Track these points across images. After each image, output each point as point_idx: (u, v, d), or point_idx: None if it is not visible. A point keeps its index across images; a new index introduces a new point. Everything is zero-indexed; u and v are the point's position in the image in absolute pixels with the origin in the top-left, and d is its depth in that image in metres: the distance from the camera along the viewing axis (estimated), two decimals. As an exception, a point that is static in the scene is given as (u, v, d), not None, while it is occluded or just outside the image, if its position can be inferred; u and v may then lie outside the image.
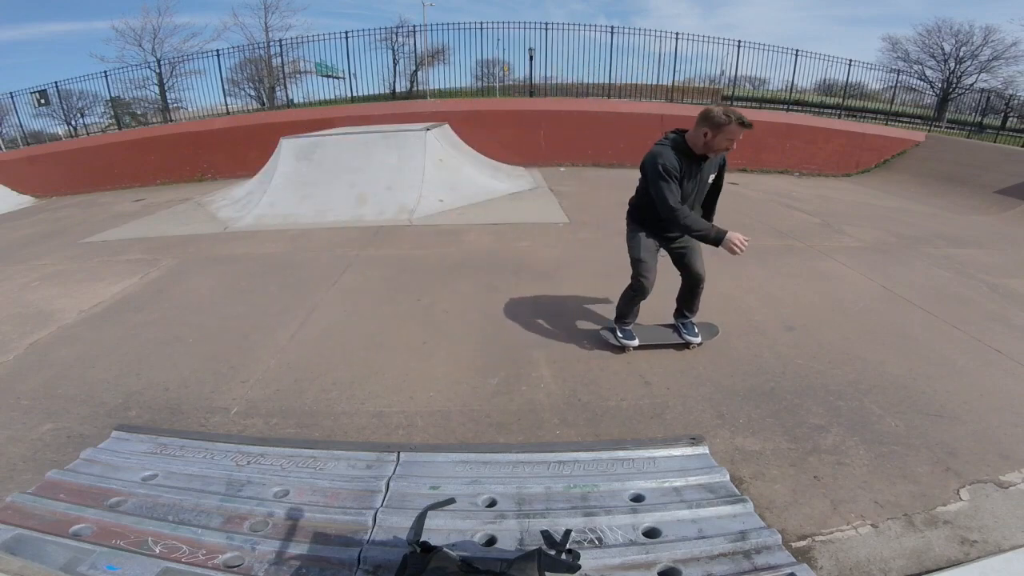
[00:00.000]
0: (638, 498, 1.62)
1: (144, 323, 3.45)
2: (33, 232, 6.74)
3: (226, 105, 12.25)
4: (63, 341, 3.22)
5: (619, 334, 2.84)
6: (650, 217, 2.55)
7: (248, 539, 1.45)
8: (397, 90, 15.05)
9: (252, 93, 16.89)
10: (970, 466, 1.93)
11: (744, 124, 2.19)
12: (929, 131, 11.51)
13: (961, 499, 1.77)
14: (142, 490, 1.68)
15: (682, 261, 2.70)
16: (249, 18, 24.51)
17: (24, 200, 9.82)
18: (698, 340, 2.85)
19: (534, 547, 1.31)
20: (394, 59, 15.00)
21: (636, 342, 2.81)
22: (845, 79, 12.32)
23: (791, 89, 12.18)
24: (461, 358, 2.84)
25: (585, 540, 1.43)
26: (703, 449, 1.85)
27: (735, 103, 12.50)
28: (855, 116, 12.40)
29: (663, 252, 2.70)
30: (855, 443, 2.09)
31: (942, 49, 22.10)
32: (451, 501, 1.59)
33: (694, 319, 2.92)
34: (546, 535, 1.41)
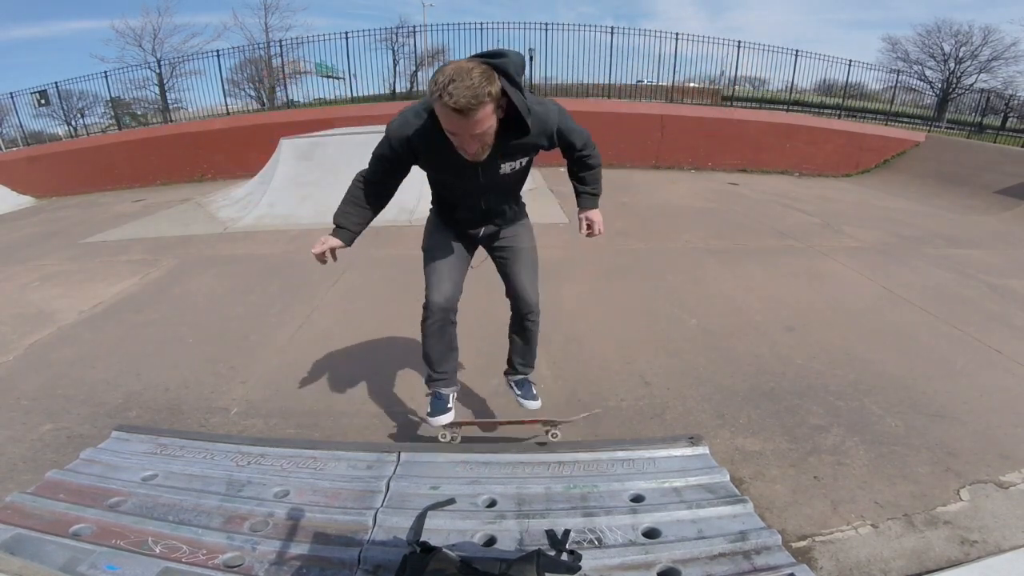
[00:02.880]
0: (638, 498, 1.62)
1: (144, 323, 3.45)
2: (33, 232, 6.74)
3: (226, 105, 12.26)
4: (63, 341, 3.22)
5: (429, 405, 1.90)
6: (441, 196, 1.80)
7: (248, 539, 1.45)
8: (397, 90, 15.04)
9: (252, 93, 16.88)
10: (970, 466, 1.93)
11: (449, 106, 1.25)
12: (929, 131, 11.51)
13: (961, 499, 1.77)
14: (142, 490, 1.68)
15: (502, 270, 1.89)
16: (249, 18, 24.52)
17: (24, 200, 9.82)
18: (537, 404, 2.04)
19: (534, 548, 1.31)
20: (394, 59, 15.00)
21: (448, 417, 1.87)
22: (845, 79, 12.33)
23: (791, 89, 12.19)
24: (461, 358, 2.83)
25: (585, 540, 1.43)
26: (703, 449, 1.85)
27: (735, 103, 12.51)
28: (855, 116, 12.39)
29: (482, 256, 1.92)
30: (855, 443, 2.09)
31: (942, 49, 22.10)
32: (451, 501, 1.59)
33: (529, 375, 2.09)
34: (550, 535, 1.41)
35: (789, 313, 3.36)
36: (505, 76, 1.31)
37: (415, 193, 6.48)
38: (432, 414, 1.88)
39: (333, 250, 1.71)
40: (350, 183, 1.71)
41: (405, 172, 1.66)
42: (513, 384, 2.10)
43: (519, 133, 1.44)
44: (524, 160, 1.61)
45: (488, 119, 1.33)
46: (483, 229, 1.81)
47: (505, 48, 1.34)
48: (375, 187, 1.68)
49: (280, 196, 6.52)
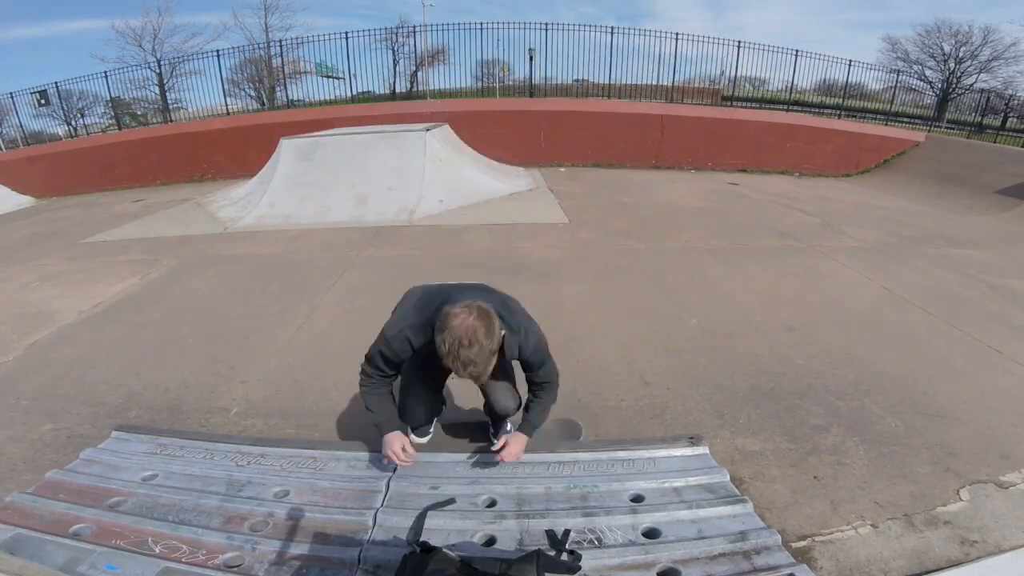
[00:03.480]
0: (638, 498, 1.62)
1: (144, 323, 3.45)
2: (33, 232, 6.74)
3: (226, 105, 12.26)
4: (63, 341, 3.22)
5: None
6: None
7: (248, 539, 1.45)
8: (397, 90, 15.05)
9: (252, 93, 16.89)
10: (970, 466, 1.93)
11: (461, 376, 1.43)
12: (929, 131, 11.51)
13: (961, 499, 1.77)
14: (142, 490, 1.68)
15: (483, 389, 1.90)
16: (249, 18, 24.52)
17: (24, 200, 9.82)
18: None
19: (534, 548, 1.31)
20: (394, 59, 15.01)
21: (426, 438, 2.05)
22: (845, 79, 12.33)
23: (791, 89, 12.20)
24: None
25: (585, 540, 1.43)
26: (703, 449, 1.85)
27: (735, 103, 12.52)
28: (855, 116, 12.40)
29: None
30: (855, 443, 2.09)
31: (942, 49, 22.11)
32: (451, 501, 1.59)
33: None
34: (550, 535, 1.41)
35: (789, 313, 3.36)
36: (502, 320, 1.45)
37: (415, 193, 6.51)
38: (414, 433, 2.01)
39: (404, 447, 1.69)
40: (368, 394, 1.72)
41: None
42: (491, 424, 2.05)
43: (512, 357, 1.58)
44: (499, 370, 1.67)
45: (488, 370, 1.44)
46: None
47: (484, 284, 1.58)
48: (389, 380, 1.74)
49: (280, 196, 6.52)
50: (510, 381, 1.85)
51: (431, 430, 2.08)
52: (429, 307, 1.56)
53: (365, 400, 1.73)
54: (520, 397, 1.86)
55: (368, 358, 1.69)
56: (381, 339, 1.65)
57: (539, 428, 1.78)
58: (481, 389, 1.87)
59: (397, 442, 1.65)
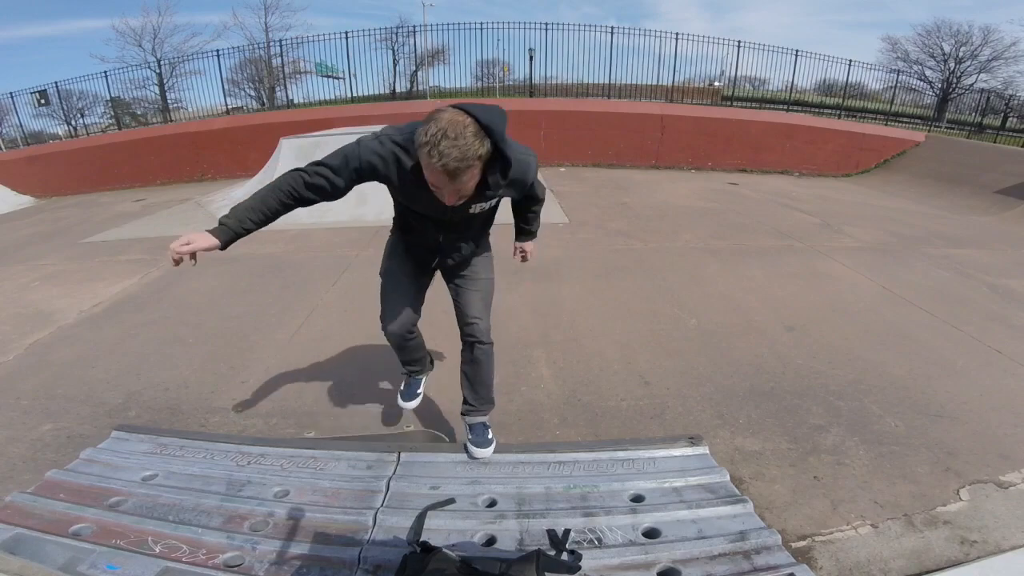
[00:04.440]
0: (638, 498, 1.62)
1: (144, 323, 3.45)
2: (33, 232, 6.74)
3: (226, 105, 12.26)
4: (63, 341, 3.22)
5: (402, 385, 2.11)
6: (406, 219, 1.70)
7: (248, 539, 1.45)
8: (397, 90, 15.06)
9: (252, 93, 16.90)
10: (970, 466, 1.93)
11: (436, 167, 1.22)
12: (929, 131, 11.51)
13: (961, 499, 1.77)
14: (142, 490, 1.68)
15: (455, 296, 1.83)
16: (249, 18, 24.54)
17: (24, 200, 9.82)
18: (486, 452, 1.82)
19: (534, 548, 1.31)
20: (394, 59, 15.02)
21: (413, 404, 2.09)
22: (845, 79, 12.34)
23: (791, 89, 12.20)
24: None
25: (585, 540, 1.43)
26: (703, 449, 1.85)
27: (735, 103, 12.52)
28: (855, 116, 12.41)
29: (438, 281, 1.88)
30: (855, 443, 2.09)
31: (942, 49, 22.13)
32: (451, 501, 1.59)
33: (485, 417, 1.89)
34: (550, 534, 1.41)
35: (789, 313, 3.36)
36: (495, 134, 1.27)
37: (415, 193, 6.50)
38: (402, 397, 2.10)
39: (195, 253, 1.41)
40: (273, 182, 1.45)
41: (343, 195, 1.49)
42: (467, 427, 1.88)
43: (497, 184, 1.40)
44: (494, 202, 1.59)
45: (473, 179, 1.31)
46: (437, 260, 1.78)
47: (488, 104, 1.31)
48: (302, 203, 1.46)
49: (280, 196, 6.52)
50: (488, 289, 1.82)
51: (420, 392, 2.11)
52: (411, 128, 1.37)
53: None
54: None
55: (314, 162, 1.44)
56: (346, 147, 1.42)
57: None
58: (457, 304, 1.80)
59: (199, 242, 1.38)
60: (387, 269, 1.81)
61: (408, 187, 1.45)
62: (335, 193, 1.45)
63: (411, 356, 1.98)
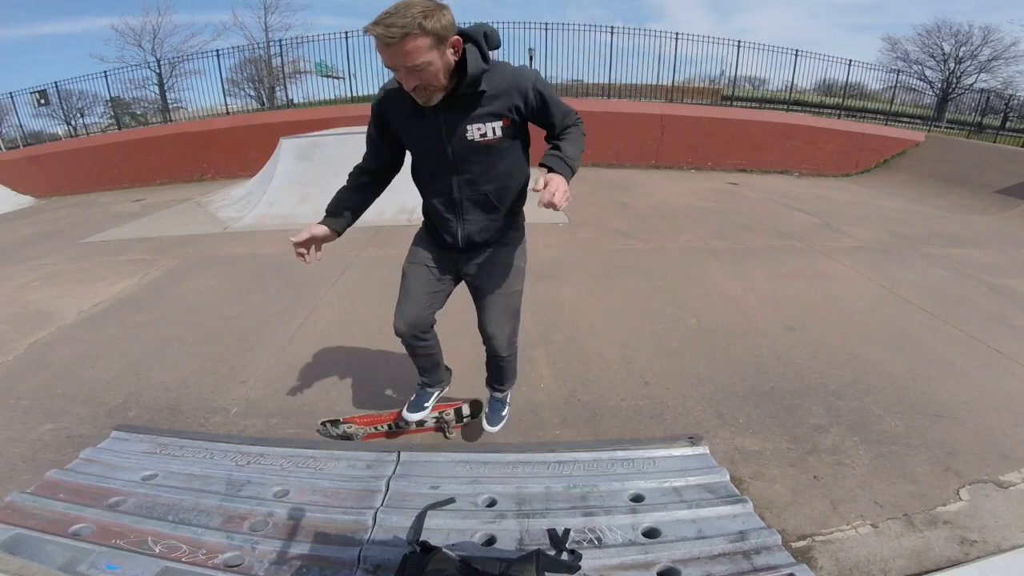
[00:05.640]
0: (638, 498, 1.62)
1: (144, 323, 3.45)
2: (33, 232, 6.74)
3: (226, 105, 12.25)
4: (63, 341, 3.22)
5: (413, 395, 2.05)
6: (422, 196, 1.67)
7: (248, 538, 1.45)
8: (397, 90, 15.01)
9: (252, 93, 16.90)
10: (970, 466, 1.93)
11: (373, 34, 1.19)
12: (929, 131, 11.52)
13: (961, 499, 1.77)
14: (142, 490, 1.68)
15: (477, 302, 1.78)
16: (249, 18, 24.53)
17: (24, 200, 9.82)
18: (494, 429, 2.01)
19: (534, 547, 1.31)
20: (394, 59, 14.97)
21: (417, 416, 2.02)
22: (845, 79, 12.34)
23: (791, 89, 12.19)
24: (461, 358, 2.84)
25: (585, 540, 1.43)
26: (703, 449, 1.85)
27: (735, 103, 12.52)
28: (855, 116, 12.41)
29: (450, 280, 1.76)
30: (855, 443, 2.09)
31: (942, 49, 22.13)
32: (451, 501, 1.59)
33: (504, 394, 2.03)
34: (550, 534, 1.41)
35: (789, 313, 3.36)
36: (469, 32, 1.30)
37: (414, 193, 6.51)
38: (407, 407, 2.03)
39: (319, 242, 1.58)
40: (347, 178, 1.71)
41: (393, 152, 1.61)
42: (486, 401, 2.08)
43: (475, 92, 1.35)
44: (497, 125, 1.41)
45: (420, 52, 1.21)
46: (463, 241, 1.60)
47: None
48: (370, 174, 1.66)
49: (280, 196, 6.52)
50: (511, 304, 1.71)
51: (427, 406, 2.01)
52: None
53: None
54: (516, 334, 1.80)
55: None
56: None
57: (575, 171, 1.46)
58: (478, 310, 1.75)
59: (314, 228, 1.56)
60: (407, 264, 1.75)
61: (400, 114, 1.47)
62: (380, 150, 1.59)
63: (422, 363, 1.92)
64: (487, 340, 1.78)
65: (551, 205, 1.27)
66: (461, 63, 1.32)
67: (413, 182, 1.64)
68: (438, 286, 1.73)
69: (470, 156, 1.46)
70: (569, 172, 1.43)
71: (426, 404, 2.02)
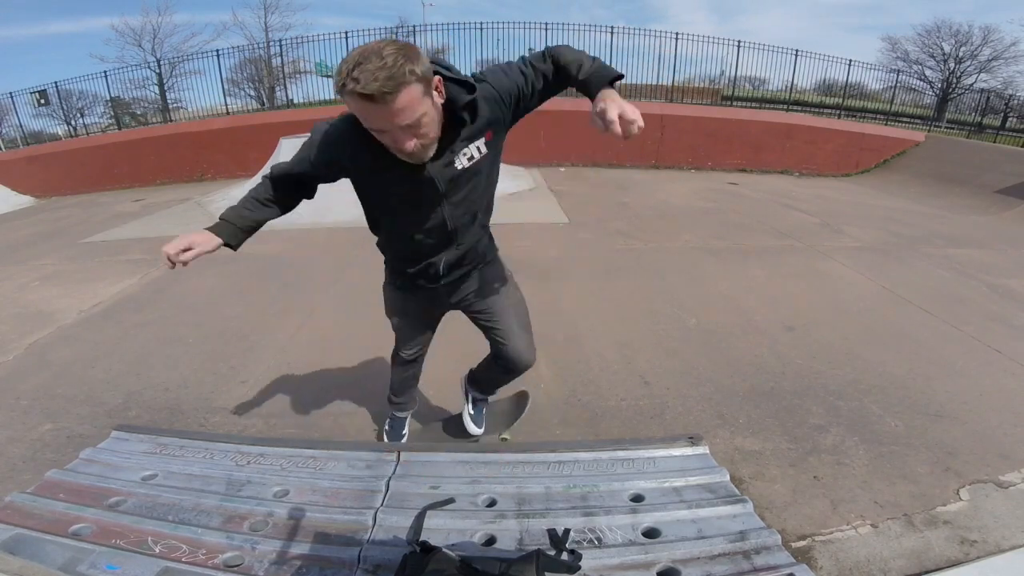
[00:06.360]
0: (638, 498, 1.62)
1: (144, 323, 3.45)
2: (33, 232, 6.74)
3: (226, 105, 12.26)
4: (63, 341, 3.22)
5: (387, 425, 2.10)
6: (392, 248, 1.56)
7: (248, 538, 1.45)
8: (397, 90, 15.02)
9: (252, 93, 16.91)
10: (970, 466, 1.93)
11: (358, 94, 0.97)
12: (929, 131, 11.52)
13: (961, 499, 1.77)
14: (142, 490, 1.68)
15: (488, 333, 1.70)
16: (249, 18, 24.53)
17: (24, 200, 9.82)
18: (478, 431, 2.01)
19: (534, 547, 1.31)
20: (394, 59, 14.98)
21: (401, 440, 2.05)
22: (845, 79, 12.34)
23: (791, 89, 12.20)
24: (461, 358, 2.84)
25: (585, 540, 1.43)
26: (703, 449, 1.85)
27: (735, 103, 12.52)
28: (855, 116, 12.41)
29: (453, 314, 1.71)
30: (855, 443, 2.09)
31: (941, 49, 22.14)
32: (451, 501, 1.59)
33: (488, 400, 2.04)
34: (551, 534, 1.41)
35: (789, 313, 3.36)
36: (438, 61, 1.10)
37: (415, 193, 6.49)
38: (387, 438, 2.10)
39: (200, 256, 1.33)
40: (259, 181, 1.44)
41: (319, 187, 1.42)
42: (471, 400, 2.00)
43: (471, 116, 1.16)
44: (480, 143, 1.24)
45: (417, 104, 1.02)
46: (450, 276, 1.50)
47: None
48: (281, 203, 1.45)
49: (280, 196, 6.52)
50: (522, 310, 1.68)
51: (405, 432, 2.10)
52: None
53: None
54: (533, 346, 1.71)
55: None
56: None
57: (615, 75, 1.24)
58: (489, 335, 1.66)
59: (201, 243, 1.30)
60: (393, 315, 1.77)
61: (374, 170, 1.22)
62: (313, 184, 1.42)
63: (407, 382, 2.00)
64: (513, 360, 1.69)
65: (632, 125, 1.08)
66: (445, 104, 1.12)
67: (372, 231, 1.49)
68: (431, 328, 1.86)
69: (464, 181, 1.29)
70: (612, 79, 1.22)
71: (403, 432, 2.10)
